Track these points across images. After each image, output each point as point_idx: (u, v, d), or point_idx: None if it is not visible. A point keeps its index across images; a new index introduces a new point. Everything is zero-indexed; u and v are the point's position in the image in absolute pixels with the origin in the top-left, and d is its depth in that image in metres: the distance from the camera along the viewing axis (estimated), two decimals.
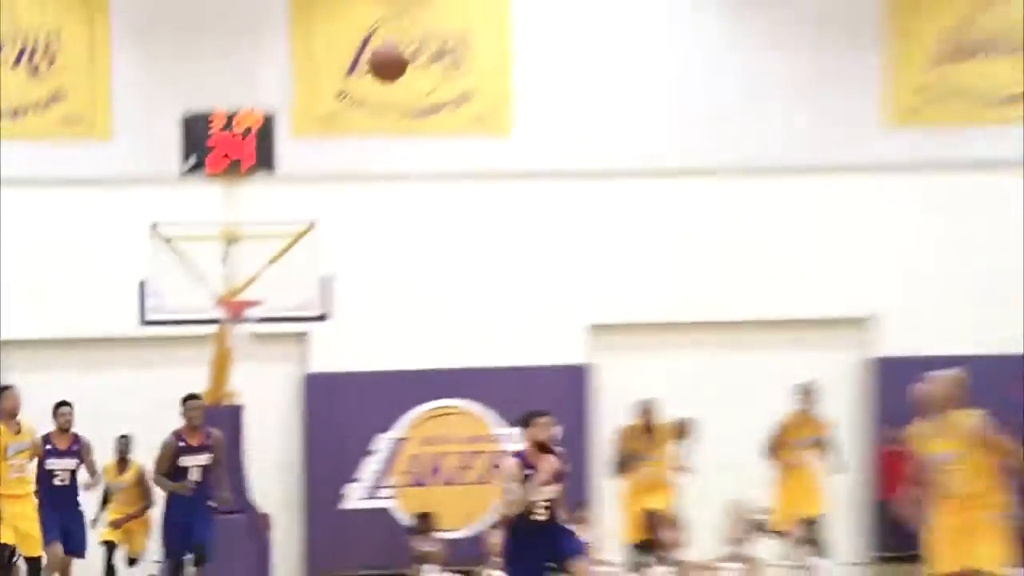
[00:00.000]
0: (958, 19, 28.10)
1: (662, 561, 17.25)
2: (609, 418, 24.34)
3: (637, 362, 24.95)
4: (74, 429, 20.23)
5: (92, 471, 19.86)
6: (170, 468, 18.82)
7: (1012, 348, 24.50)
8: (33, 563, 18.04)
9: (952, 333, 24.83)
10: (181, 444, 18.90)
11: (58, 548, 19.00)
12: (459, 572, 25.40)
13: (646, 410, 17.13)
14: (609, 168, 26.74)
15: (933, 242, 26.98)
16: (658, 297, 26.18)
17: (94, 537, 21.55)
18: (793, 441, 21.31)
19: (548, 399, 24.08)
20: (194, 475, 18.80)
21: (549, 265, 26.67)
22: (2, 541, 17.65)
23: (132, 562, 22.22)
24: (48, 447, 19.19)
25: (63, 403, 19.70)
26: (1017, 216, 26.90)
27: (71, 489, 19.47)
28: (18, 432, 17.70)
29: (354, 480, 26.50)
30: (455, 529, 26.14)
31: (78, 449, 19.39)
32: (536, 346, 26.66)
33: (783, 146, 27.01)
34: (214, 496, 19.49)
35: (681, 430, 21.48)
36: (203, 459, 18.84)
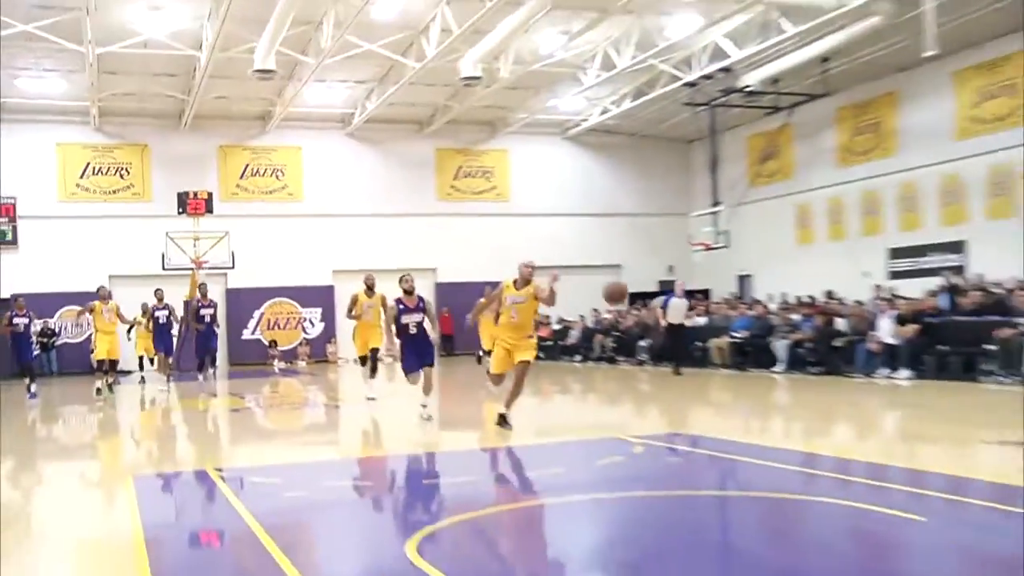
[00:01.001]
0: (461, 162, 30.60)
1: (377, 360, 15.32)
2: (342, 302, 24.75)
3: (350, 285, 22.37)
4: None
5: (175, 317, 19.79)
6: (195, 317, 18.61)
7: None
8: (114, 362, 18.35)
9: (472, 272, 26.54)
10: (199, 304, 18.65)
11: (162, 354, 19.80)
12: (287, 363, 28.06)
13: (369, 279, 15.29)
14: (342, 212, 28.98)
15: (459, 240, 29.51)
16: (360, 260, 27.04)
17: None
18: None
19: (319, 298, 28.51)
20: (207, 319, 18.52)
21: (320, 248, 28.47)
22: (100, 357, 17.83)
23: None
24: (154, 307, 19.24)
25: (158, 288, 19.90)
26: (499, 230, 29.59)
27: (168, 326, 19.20)
28: (108, 306, 17.64)
29: (246, 327, 28.57)
30: (285, 346, 28.62)
31: (168, 306, 19.15)
32: (315, 277, 28.69)
33: (406, 204, 29.53)
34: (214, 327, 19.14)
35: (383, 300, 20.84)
36: (211, 311, 18.50)
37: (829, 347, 18.38)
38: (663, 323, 20.24)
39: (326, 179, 29.57)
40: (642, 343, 23.64)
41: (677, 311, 19.94)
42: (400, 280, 12.47)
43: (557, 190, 31.26)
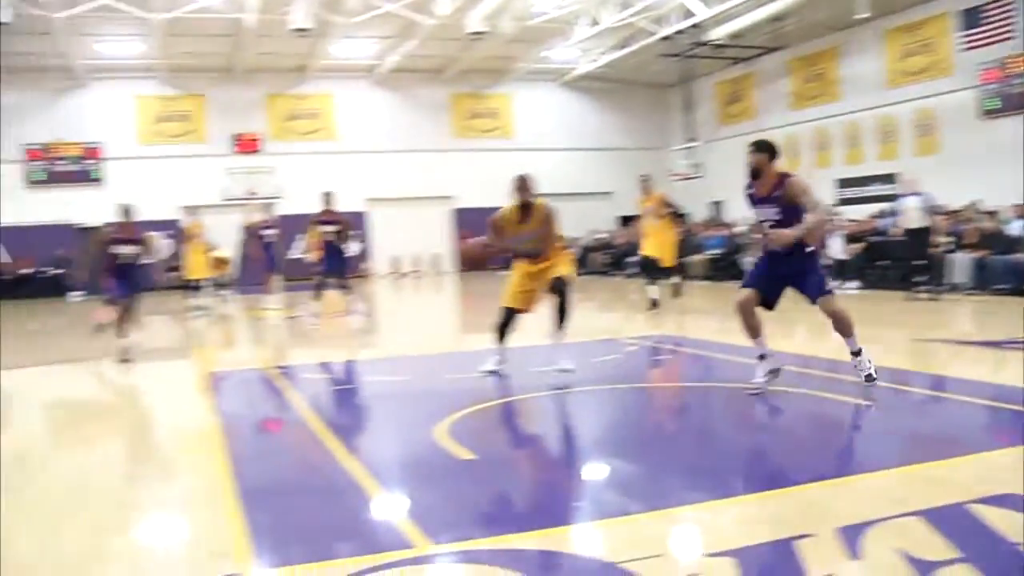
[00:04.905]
0: (472, 105, 29.82)
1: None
2: (374, 225, 26.67)
3: (381, 210, 27.30)
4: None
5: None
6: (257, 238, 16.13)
7: None
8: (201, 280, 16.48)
9: (483, 199, 24.52)
10: (263, 226, 16.42)
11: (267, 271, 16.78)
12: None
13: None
14: (371, 149, 28.06)
15: (470, 171, 28.13)
16: (388, 189, 27.55)
17: None
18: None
19: (354, 223, 27.05)
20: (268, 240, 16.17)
21: (353, 180, 26.24)
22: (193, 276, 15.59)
23: None
24: (261, 225, 16.83)
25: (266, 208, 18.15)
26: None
27: (272, 244, 16.52)
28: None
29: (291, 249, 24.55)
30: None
31: (272, 225, 16.86)
32: (351, 205, 23.02)
33: (426, 142, 28.53)
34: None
35: None
36: (272, 232, 16.34)
37: None
38: (900, 231, 13.93)
39: (357, 121, 28.76)
40: (630, 259, 23.35)
41: (913, 214, 13.42)
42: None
43: (554, 129, 30.47)
